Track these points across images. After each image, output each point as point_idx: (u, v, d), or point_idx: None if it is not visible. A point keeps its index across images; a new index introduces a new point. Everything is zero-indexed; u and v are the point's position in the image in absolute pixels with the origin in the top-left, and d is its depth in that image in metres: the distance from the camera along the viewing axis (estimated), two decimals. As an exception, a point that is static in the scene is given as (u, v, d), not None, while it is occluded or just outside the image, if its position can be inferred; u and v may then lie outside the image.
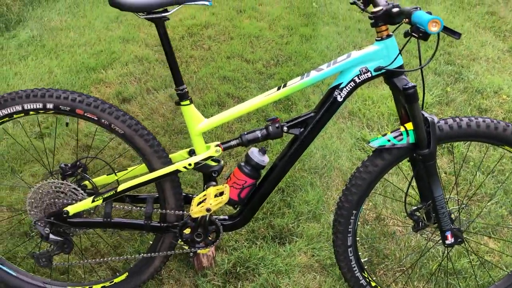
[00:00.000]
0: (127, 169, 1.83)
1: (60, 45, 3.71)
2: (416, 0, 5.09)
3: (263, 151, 1.70)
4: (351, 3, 1.74)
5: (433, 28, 1.23)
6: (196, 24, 4.22)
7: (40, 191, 1.72)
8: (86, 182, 1.81)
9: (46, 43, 3.70)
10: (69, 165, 1.78)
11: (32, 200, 1.73)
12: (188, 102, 1.64)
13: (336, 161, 2.72)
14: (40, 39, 3.76)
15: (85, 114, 1.62)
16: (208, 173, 1.72)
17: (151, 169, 1.71)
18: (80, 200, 1.73)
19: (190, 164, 1.67)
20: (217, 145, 1.69)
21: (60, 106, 1.61)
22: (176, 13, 4.60)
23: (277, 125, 1.66)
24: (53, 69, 3.38)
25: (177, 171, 1.67)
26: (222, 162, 1.75)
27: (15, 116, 1.63)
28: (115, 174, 1.81)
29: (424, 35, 1.31)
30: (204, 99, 3.20)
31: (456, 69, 3.67)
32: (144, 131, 1.68)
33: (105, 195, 1.68)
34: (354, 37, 4.18)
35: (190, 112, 1.66)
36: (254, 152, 1.70)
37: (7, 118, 1.63)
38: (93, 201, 1.68)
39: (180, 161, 1.69)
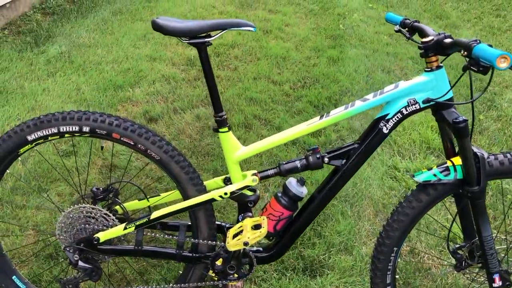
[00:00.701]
0: (159, 195, 1.78)
1: (88, 61, 3.71)
2: (444, 24, 5.02)
3: (301, 182, 1.64)
4: (396, 31, 1.68)
5: (502, 64, 1.16)
6: (223, 43, 4.21)
7: (71, 215, 1.67)
8: (117, 207, 1.77)
9: (75, 60, 3.71)
10: (101, 189, 1.74)
11: (62, 225, 1.69)
12: (226, 129, 1.59)
13: (367, 190, 2.64)
14: (69, 56, 3.78)
15: (122, 138, 1.58)
16: (243, 203, 1.66)
17: (185, 197, 1.66)
18: (111, 226, 1.68)
19: (226, 193, 1.61)
20: (254, 174, 1.63)
21: (97, 130, 1.57)
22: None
23: (317, 155, 1.59)
24: (81, 86, 3.37)
25: (212, 199, 1.62)
26: (258, 191, 1.69)
27: (50, 138, 1.59)
28: (147, 200, 1.76)
29: (484, 70, 1.25)
30: (231, 121, 3.15)
31: (489, 96, 3.58)
32: (180, 157, 1.63)
33: (138, 223, 1.63)
34: (382, 61, 4.12)
35: (228, 139, 1.60)
36: (292, 182, 1.64)
37: (42, 140, 1.59)
38: (125, 228, 1.63)
39: (215, 189, 1.64)
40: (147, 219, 1.62)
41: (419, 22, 1.62)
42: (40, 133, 1.57)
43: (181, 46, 4.14)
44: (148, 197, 1.77)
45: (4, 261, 1.79)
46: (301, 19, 4.93)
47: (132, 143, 1.59)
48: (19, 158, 1.67)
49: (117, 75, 3.55)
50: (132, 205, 1.79)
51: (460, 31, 4.86)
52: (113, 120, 1.58)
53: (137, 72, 3.62)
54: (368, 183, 2.70)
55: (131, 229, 1.63)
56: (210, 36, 1.51)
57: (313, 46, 4.30)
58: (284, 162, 1.62)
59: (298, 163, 1.61)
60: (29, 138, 1.57)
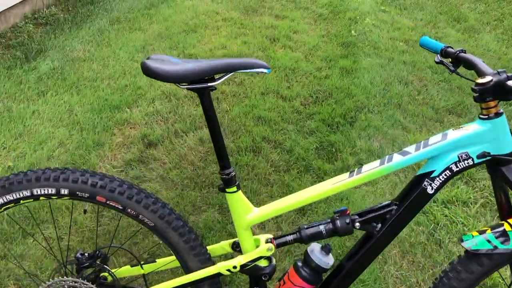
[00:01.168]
0: (155, 261, 1.50)
1: (82, 78, 3.43)
2: (462, 28, 4.71)
3: (326, 250, 1.36)
4: (437, 63, 1.39)
5: None
6: (228, 54, 3.92)
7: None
8: (106, 274, 1.49)
9: (67, 76, 3.44)
10: (87, 254, 1.46)
11: (41, 300, 1.42)
12: (235, 188, 1.31)
13: (392, 225, 2.35)
14: (61, 72, 3.50)
15: (108, 202, 1.31)
16: (256, 276, 1.38)
17: (185, 267, 1.38)
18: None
19: (235, 267, 1.33)
20: (269, 241, 1.35)
21: (78, 192, 1.29)
22: (205, 41, 4.33)
23: (347, 219, 1.31)
24: (74, 107, 3.10)
25: (219, 274, 1.34)
26: (274, 260, 1.41)
27: (22, 201, 1.31)
28: (141, 267, 1.49)
29: None
30: (237, 144, 2.87)
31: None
32: (179, 222, 1.35)
33: (128, 302, 1.35)
34: (399, 71, 3.82)
35: (238, 200, 1.32)
36: (315, 250, 1.36)
37: (12, 204, 1.32)
38: (112, 307, 1.35)
39: (222, 254, 1.37)
40: (138, 298, 1.35)
41: (465, 52, 1.34)
42: (9, 197, 1.30)
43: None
44: (142, 263, 1.50)
45: None
46: (310, 25, 4.63)
47: (121, 207, 1.31)
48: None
49: (113, 93, 3.27)
50: (124, 271, 1.52)
51: (480, 35, 4.54)
52: (97, 180, 1.30)
53: (135, 89, 3.34)
54: (392, 217, 2.41)
55: (121, 309, 1.36)
56: (214, 79, 1.23)
57: (324, 56, 4.01)
58: (306, 226, 1.34)
59: (322, 228, 1.33)
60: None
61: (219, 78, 1.25)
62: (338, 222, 1.31)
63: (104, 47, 3.93)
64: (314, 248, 1.36)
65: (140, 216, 1.32)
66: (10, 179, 1.29)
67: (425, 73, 3.83)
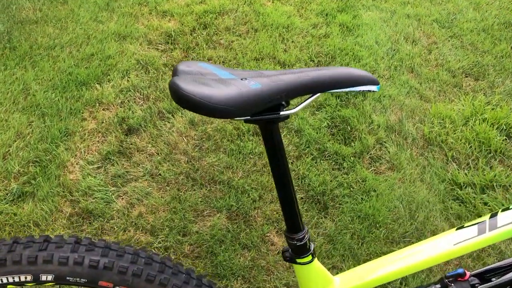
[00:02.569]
0: None
1: (36, 46, 2.81)
2: None
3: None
4: None
5: None
6: (208, 10, 3.34)
7: None
8: None
9: (17, 45, 2.80)
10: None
11: None
12: (309, 258, 0.88)
13: (430, 222, 2.01)
14: (9, 38, 2.85)
15: (117, 287, 0.85)
16: None
17: None
18: None
19: None
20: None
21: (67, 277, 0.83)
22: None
23: (464, 287, 0.91)
24: (30, 85, 2.51)
25: None
26: None
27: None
28: None
29: None
30: (236, 126, 2.41)
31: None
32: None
33: None
34: (404, 26, 3.38)
35: (313, 273, 0.90)
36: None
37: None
38: None
39: None
40: None
41: None
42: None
43: (155, 16, 3.25)
44: None
45: None
46: (297, -28, 4.05)
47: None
48: None
49: (77, 65, 2.69)
50: None
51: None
52: (98, 257, 0.83)
53: (104, 58, 2.76)
54: (428, 209, 2.06)
55: None
56: (288, 103, 0.76)
57: (319, 9, 3.49)
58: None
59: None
60: None
61: (298, 103, 0.79)
62: (453, 290, 0.91)
63: (59, 4, 3.25)
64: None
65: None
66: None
67: (432, 28, 3.41)
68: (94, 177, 2.10)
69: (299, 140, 2.37)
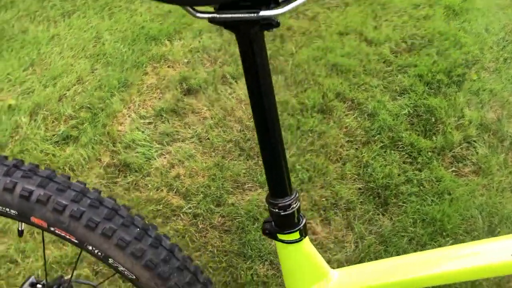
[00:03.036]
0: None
1: (118, -1, 2.79)
2: None
3: None
4: None
5: None
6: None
7: None
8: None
9: (101, -5, 2.80)
10: (44, 282, 0.88)
11: None
12: (297, 235, 0.64)
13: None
14: (95, -12, 2.87)
15: (52, 228, 0.68)
16: None
17: None
18: None
19: None
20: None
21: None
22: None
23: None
24: (103, 34, 2.48)
25: None
26: None
27: None
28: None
29: None
30: (301, 100, 2.17)
31: None
32: (185, 275, 0.71)
33: None
34: (525, 15, 2.87)
35: (300, 257, 0.66)
36: None
37: None
38: None
39: None
40: None
41: None
42: None
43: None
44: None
45: None
46: (407, -51, 3.66)
47: (76, 241, 0.69)
48: None
49: (152, 20, 2.62)
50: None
51: None
52: (33, 188, 0.67)
53: (180, 16, 2.66)
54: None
55: None
56: (276, 2, 0.53)
57: (424, -11, 3.10)
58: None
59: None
60: None
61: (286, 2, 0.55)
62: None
63: (150, -39, 3.23)
64: None
65: (111, 260, 0.69)
66: None
67: (561, 21, 2.86)
68: (142, 131, 2.00)
69: (371, 125, 2.08)
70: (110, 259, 0.69)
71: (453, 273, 0.60)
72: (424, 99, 2.21)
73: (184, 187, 1.77)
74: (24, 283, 0.90)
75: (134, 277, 0.70)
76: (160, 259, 0.70)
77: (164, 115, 2.08)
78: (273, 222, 0.65)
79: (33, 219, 0.68)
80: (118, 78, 2.21)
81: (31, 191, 0.67)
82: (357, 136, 2.04)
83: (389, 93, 2.25)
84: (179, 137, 1.99)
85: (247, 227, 1.64)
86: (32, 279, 0.91)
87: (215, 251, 1.59)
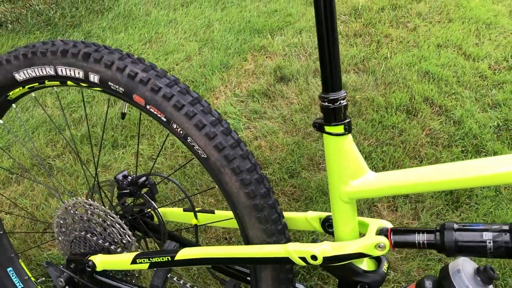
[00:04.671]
0: (213, 212, 1.04)
1: (232, -4, 3.06)
2: None
3: (486, 277, 0.73)
4: None
5: None
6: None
7: (72, 212, 1.04)
8: (151, 211, 1.08)
9: (217, -9, 3.10)
10: (130, 178, 1.06)
11: (61, 222, 1.07)
12: (341, 129, 0.75)
13: None
14: (213, -14, 3.17)
15: (148, 107, 0.86)
16: (349, 282, 0.82)
17: (245, 236, 0.88)
18: (125, 247, 1.00)
19: (314, 258, 0.79)
20: (384, 232, 0.78)
21: (110, 83, 0.87)
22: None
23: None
24: (213, 23, 2.75)
25: (287, 260, 0.81)
26: (385, 266, 0.83)
27: (47, 82, 0.94)
28: (196, 217, 1.04)
29: None
30: (388, 99, 2.23)
31: None
32: (245, 163, 0.84)
33: (154, 259, 0.91)
34: None
35: (342, 151, 0.76)
36: (465, 272, 0.74)
37: (36, 84, 0.95)
38: (133, 261, 0.93)
39: (298, 244, 0.84)
40: (169, 258, 0.90)
41: None
42: (31, 72, 0.93)
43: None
44: (197, 210, 1.05)
45: (1, 244, 1.25)
46: (526, -24, 3.55)
47: (164, 119, 0.85)
48: (14, 107, 1.05)
49: (259, 16, 2.84)
50: (173, 214, 1.09)
51: None
52: (138, 71, 0.85)
53: (284, 16, 2.86)
54: None
55: (143, 266, 0.93)
56: None
57: (537, 14, 3.00)
58: (457, 225, 0.73)
59: (489, 238, 0.70)
60: (18, 77, 0.94)
61: None
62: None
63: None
64: (464, 267, 0.75)
65: (189, 139, 0.85)
66: (35, 47, 0.91)
67: None
68: (234, 107, 2.19)
69: (455, 131, 2.07)
70: (189, 138, 0.85)
71: (473, 179, 0.67)
72: (516, 114, 2.16)
73: (263, 156, 1.92)
74: (118, 173, 1.09)
75: (205, 156, 0.84)
76: (228, 144, 0.84)
77: (256, 96, 2.25)
78: (322, 118, 0.76)
79: (135, 96, 0.86)
80: (221, 60, 2.44)
81: (136, 72, 0.85)
82: (439, 139, 2.05)
83: (480, 105, 2.23)
84: (266, 115, 2.14)
85: (315, 198, 1.74)
86: (125, 172, 1.10)
87: (282, 214, 1.71)
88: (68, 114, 2.03)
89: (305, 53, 2.58)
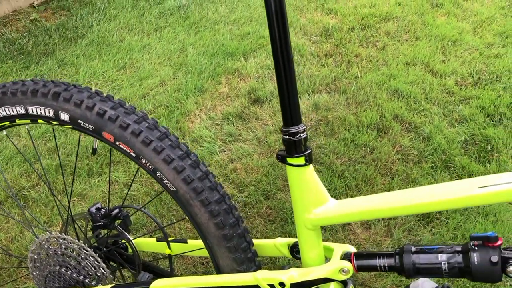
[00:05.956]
0: (186, 241, 1.06)
1: (205, 19, 3.11)
2: None
3: (444, 295, 0.77)
4: None
5: None
6: (374, 14, 3.27)
7: (46, 246, 1.05)
8: (125, 243, 1.10)
9: (190, 15, 3.15)
10: (104, 210, 1.08)
11: (35, 257, 1.08)
12: (302, 160, 0.79)
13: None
14: (186, 10, 3.22)
15: (117, 143, 0.88)
16: (316, 307, 0.86)
17: (216, 265, 0.91)
18: (99, 279, 1.02)
19: (282, 284, 0.82)
20: (348, 257, 0.81)
21: (80, 121, 0.89)
22: (351, -1, 3.71)
23: (493, 256, 0.71)
24: (187, 48, 2.79)
25: (257, 288, 0.84)
26: (351, 287, 0.87)
27: (17, 121, 0.96)
28: (168, 246, 1.06)
29: None
30: (359, 118, 2.29)
31: None
32: (214, 194, 0.87)
33: (128, 291, 0.93)
34: None
35: (305, 181, 0.80)
36: (423, 292, 0.78)
37: (7, 122, 0.97)
38: (108, 294, 0.95)
39: (266, 272, 0.86)
40: (143, 289, 0.92)
41: None
42: (1, 111, 0.95)
43: (319, 12, 3.31)
44: (170, 239, 1.07)
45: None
46: (488, -7, 3.71)
47: (134, 154, 0.88)
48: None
49: (232, 39, 2.89)
50: (146, 244, 1.11)
51: None
52: (107, 109, 0.88)
53: (257, 38, 2.92)
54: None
55: (118, 298, 0.94)
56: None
57: (499, 31, 3.12)
58: (414, 248, 0.77)
59: (444, 259, 0.74)
60: (-11, 115, 0.96)
61: None
62: (474, 256, 0.71)
63: (237, -9, 3.56)
64: (424, 286, 0.79)
65: (158, 173, 0.87)
66: (5, 87, 0.93)
67: None
68: (209, 130, 2.22)
69: (425, 147, 2.14)
70: (158, 172, 0.87)
71: (426, 204, 0.71)
72: (483, 128, 2.24)
73: (238, 179, 1.95)
74: (91, 206, 1.11)
75: (174, 189, 0.87)
76: (196, 177, 0.87)
77: (231, 119, 2.29)
78: (284, 150, 0.79)
79: (104, 133, 0.88)
80: (195, 84, 2.48)
81: (105, 110, 0.88)
82: (409, 155, 2.11)
83: (448, 120, 2.31)
84: (241, 138, 2.18)
85: (290, 219, 1.77)
86: (98, 204, 1.12)
87: (259, 236, 1.73)
88: (42, 144, 2.04)
89: (278, 74, 2.63)
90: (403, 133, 2.24)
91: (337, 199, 1.70)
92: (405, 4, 3.43)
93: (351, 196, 1.87)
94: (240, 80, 2.59)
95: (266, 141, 2.15)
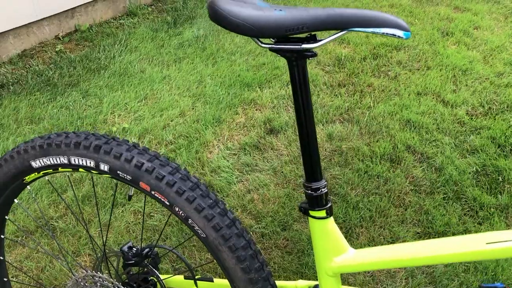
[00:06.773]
0: (212, 280, 1.13)
1: (222, 50, 3.23)
2: None
3: None
4: None
5: None
6: (385, 43, 3.36)
7: (82, 284, 1.13)
8: (155, 279, 1.18)
9: (208, 46, 3.26)
10: (135, 249, 1.16)
11: (72, 292, 1.16)
12: (323, 213, 0.86)
13: None
14: (203, 41, 3.34)
15: (153, 192, 0.97)
16: None
17: (240, 304, 0.98)
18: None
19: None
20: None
21: (119, 172, 0.98)
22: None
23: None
24: (205, 78, 2.90)
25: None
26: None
27: (60, 169, 1.05)
28: (195, 284, 1.13)
29: None
30: (372, 148, 2.36)
31: None
32: (240, 241, 0.95)
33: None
34: None
35: (325, 232, 0.88)
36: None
37: (50, 170, 1.06)
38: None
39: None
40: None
41: None
42: (46, 160, 1.04)
43: (332, 42, 3.41)
44: (197, 278, 1.14)
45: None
46: (498, 22, 3.78)
47: (167, 203, 0.96)
48: (28, 187, 1.16)
49: (248, 70, 2.99)
50: (174, 282, 1.18)
51: None
52: (144, 161, 0.96)
53: (272, 68, 3.02)
54: None
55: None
56: (315, 39, 0.79)
57: (510, 59, 3.19)
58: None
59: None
60: (34, 164, 1.05)
61: (325, 39, 0.81)
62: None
63: (253, 21, 3.68)
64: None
65: (190, 221, 0.95)
66: (50, 139, 1.03)
67: None
68: (227, 160, 2.31)
69: (437, 178, 2.20)
70: (189, 220, 0.95)
71: (440, 256, 0.78)
72: (494, 159, 2.29)
73: (256, 209, 2.02)
74: (124, 245, 1.19)
75: (204, 235, 0.95)
76: (225, 224, 0.95)
77: (247, 149, 2.37)
78: (307, 202, 0.87)
79: (141, 184, 0.97)
80: (213, 115, 2.57)
81: (142, 163, 0.96)
82: (422, 186, 2.17)
83: (459, 151, 2.36)
84: (257, 168, 2.26)
85: (307, 251, 1.83)
86: (130, 243, 1.20)
87: (276, 267, 1.80)
88: (69, 174, 2.14)
89: (293, 104, 2.71)
90: (415, 164, 2.30)
91: (352, 231, 1.79)
92: (415, 33, 3.52)
93: (366, 229, 1.94)
94: (256, 110, 2.68)
95: (282, 172, 2.23)
